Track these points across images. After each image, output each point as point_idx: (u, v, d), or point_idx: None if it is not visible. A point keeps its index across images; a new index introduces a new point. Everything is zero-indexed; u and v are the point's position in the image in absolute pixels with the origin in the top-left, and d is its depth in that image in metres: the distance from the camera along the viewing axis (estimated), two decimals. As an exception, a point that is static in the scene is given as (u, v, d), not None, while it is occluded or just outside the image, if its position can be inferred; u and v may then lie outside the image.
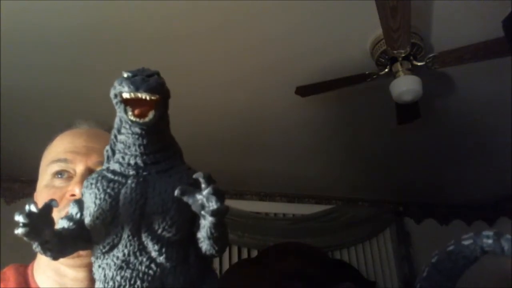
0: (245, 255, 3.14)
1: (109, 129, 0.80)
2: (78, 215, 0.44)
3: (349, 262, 3.38)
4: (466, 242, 0.51)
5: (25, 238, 0.37)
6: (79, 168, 0.70)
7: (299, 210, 3.45)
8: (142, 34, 1.80)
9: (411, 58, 1.93)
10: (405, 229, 3.65)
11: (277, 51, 1.96)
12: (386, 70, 1.97)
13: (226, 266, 3.00)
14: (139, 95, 0.39)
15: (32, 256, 0.75)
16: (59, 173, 0.71)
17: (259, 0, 1.67)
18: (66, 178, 0.70)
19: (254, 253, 3.17)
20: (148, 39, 1.83)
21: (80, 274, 0.69)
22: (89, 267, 0.69)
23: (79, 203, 0.45)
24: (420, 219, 3.84)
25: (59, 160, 0.71)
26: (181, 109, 2.15)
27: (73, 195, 0.67)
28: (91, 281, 0.69)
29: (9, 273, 0.72)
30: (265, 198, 3.42)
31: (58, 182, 0.71)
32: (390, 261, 3.54)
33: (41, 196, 0.71)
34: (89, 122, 0.80)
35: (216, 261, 2.93)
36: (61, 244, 0.42)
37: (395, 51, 1.84)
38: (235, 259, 3.08)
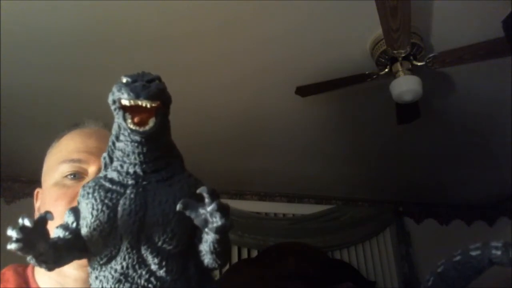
0: (245, 255, 3.14)
1: None
2: (74, 225, 0.42)
3: (349, 262, 3.38)
4: (473, 253, 0.49)
5: (18, 253, 0.36)
6: (92, 169, 0.70)
7: (299, 210, 3.45)
8: (142, 34, 1.80)
9: (411, 58, 1.92)
10: (405, 229, 3.64)
11: (277, 51, 1.95)
12: (386, 70, 1.96)
13: (226, 266, 3.00)
14: (139, 102, 0.37)
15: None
16: (71, 174, 0.70)
17: (259, 0, 1.67)
18: (78, 178, 0.70)
19: (254, 253, 3.17)
20: (148, 40, 1.82)
21: (83, 274, 0.68)
22: None
23: (75, 211, 0.43)
24: (420, 219, 3.84)
25: (72, 160, 0.71)
26: (181, 110, 2.15)
27: None
28: None
29: (9, 274, 0.72)
30: (265, 198, 3.42)
31: (69, 181, 0.70)
32: (390, 261, 3.54)
33: (51, 195, 0.70)
34: (97, 122, 0.80)
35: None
36: (56, 255, 0.40)
37: (395, 51, 1.84)
38: (235, 259, 3.08)
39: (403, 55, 1.88)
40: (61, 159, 0.72)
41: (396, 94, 1.91)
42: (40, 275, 0.72)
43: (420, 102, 2.08)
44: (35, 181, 0.78)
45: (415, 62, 1.93)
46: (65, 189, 0.69)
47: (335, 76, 1.98)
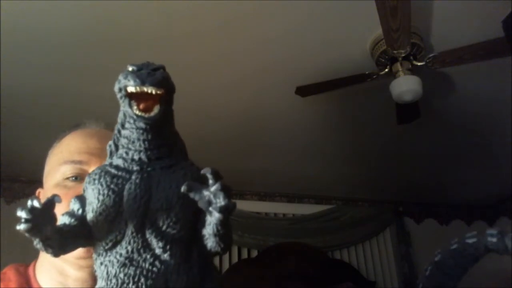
0: (245, 255, 3.14)
1: None
2: (80, 211, 0.43)
3: (349, 262, 3.38)
4: (469, 241, 0.50)
5: (26, 234, 0.37)
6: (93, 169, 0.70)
7: (299, 210, 3.45)
8: (142, 34, 1.80)
9: (411, 58, 1.93)
10: (405, 229, 3.65)
11: (277, 51, 1.96)
12: (386, 70, 1.97)
13: (226, 266, 3.00)
14: (145, 89, 0.39)
15: (32, 256, 0.75)
16: (73, 176, 0.70)
17: (259, 0, 1.67)
18: (79, 180, 0.70)
19: (254, 253, 3.17)
20: (148, 39, 1.83)
21: (84, 275, 0.69)
22: (93, 268, 0.68)
23: (81, 199, 0.44)
24: (420, 219, 3.84)
25: (73, 162, 0.71)
26: (181, 110, 2.14)
27: None
28: (95, 281, 0.69)
29: (10, 273, 0.72)
30: (265, 198, 3.42)
31: (70, 183, 0.70)
32: (390, 261, 3.54)
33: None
34: (98, 123, 0.79)
35: (216, 261, 2.93)
36: (62, 240, 0.41)
37: (395, 51, 1.84)
38: (235, 259, 3.08)
39: (403, 55, 1.88)
40: (62, 160, 0.72)
41: (396, 94, 1.92)
42: (42, 275, 0.72)
43: (420, 102, 2.08)
44: (35, 181, 0.78)
45: (415, 62, 1.93)
46: (66, 190, 0.69)
47: (335, 76, 1.99)
